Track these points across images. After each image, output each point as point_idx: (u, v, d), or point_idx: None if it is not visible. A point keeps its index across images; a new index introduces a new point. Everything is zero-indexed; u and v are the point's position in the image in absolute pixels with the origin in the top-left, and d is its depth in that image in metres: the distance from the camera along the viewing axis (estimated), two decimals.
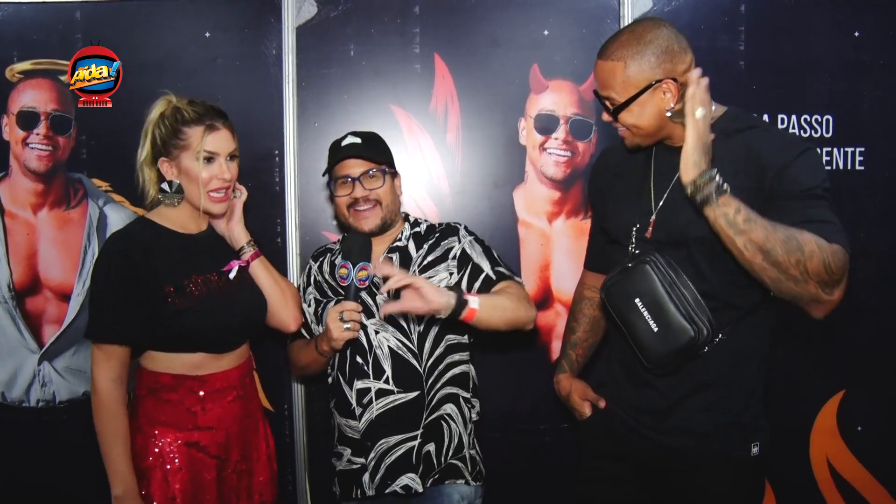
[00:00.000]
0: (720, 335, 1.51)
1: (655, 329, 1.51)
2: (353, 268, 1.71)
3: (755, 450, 1.58)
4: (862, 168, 2.36)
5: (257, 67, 2.24)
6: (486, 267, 1.79)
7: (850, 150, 2.36)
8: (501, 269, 1.80)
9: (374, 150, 1.81)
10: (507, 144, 2.31)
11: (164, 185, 1.67)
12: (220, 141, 1.66)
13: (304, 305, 1.88)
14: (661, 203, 1.58)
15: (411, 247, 1.84)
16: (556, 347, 2.29)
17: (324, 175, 1.88)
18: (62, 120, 2.20)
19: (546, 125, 2.31)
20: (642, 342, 1.53)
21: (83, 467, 2.21)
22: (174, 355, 1.64)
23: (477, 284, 1.76)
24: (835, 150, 2.36)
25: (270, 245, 2.21)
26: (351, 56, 2.27)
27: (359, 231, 1.79)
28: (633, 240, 1.59)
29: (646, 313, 1.52)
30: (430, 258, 1.81)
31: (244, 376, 1.75)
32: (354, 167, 1.79)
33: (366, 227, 1.79)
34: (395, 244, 1.84)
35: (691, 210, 1.46)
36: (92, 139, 2.22)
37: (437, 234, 1.85)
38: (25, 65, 2.19)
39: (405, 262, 1.81)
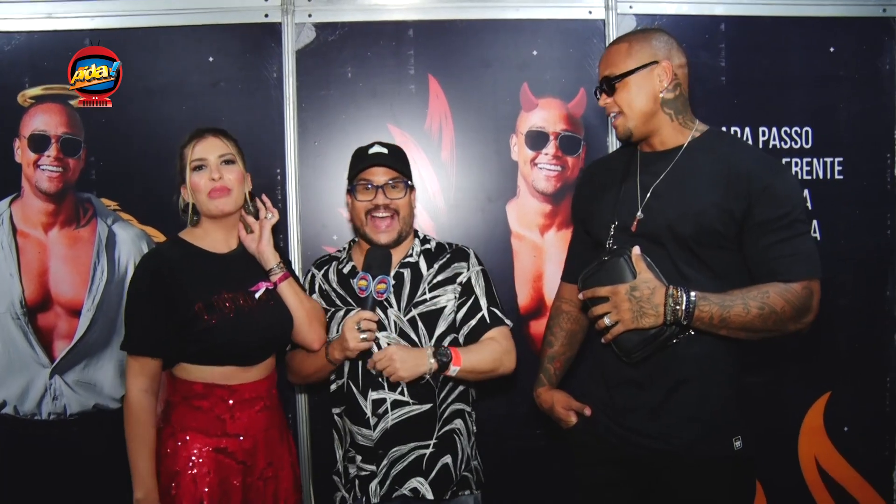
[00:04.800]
0: (691, 329, 1.57)
1: None
2: (373, 280, 1.75)
3: (738, 444, 1.63)
4: (841, 178, 2.45)
5: (259, 90, 2.32)
6: (484, 306, 1.85)
7: (828, 160, 2.45)
8: (496, 310, 1.86)
9: (400, 162, 1.87)
10: (499, 160, 2.39)
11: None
12: (206, 147, 1.77)
13: None
14: (645, 200, 1.65)
15: (422, 264, 1.88)
16: None
17: (348, 177, 1.91)
18: (72, 142, 2.28)
19: (536, 141, 2.40)
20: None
21: (94, 479, 2.28)
22: (205, 367, 1.72)
23: (473, 322, 1.84)
24: (814, 161, 2.45)
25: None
26: (349, 78, 2.36)
27: (375, 242, 1.83)
28: (611, 237, 1.68)
29: None
30: (439, 278, 1.86)
31: (271, 388, 1.82)
32: (379, 175, 1.83)
33: (382, 240, 1.83)
34: (406, 259, 1.88)
35: (677, 208, 1.60)
36: (100, 161, 2.29)
37: (448, 255, 1.90)
38: (37, 90, 2.28)
39: (416, 278, 1.86)
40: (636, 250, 1.56)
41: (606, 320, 1.55)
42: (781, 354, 2.45)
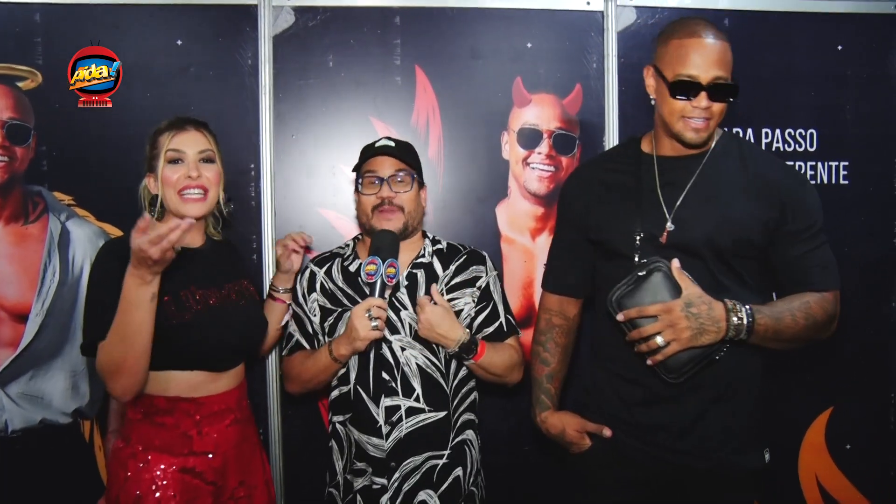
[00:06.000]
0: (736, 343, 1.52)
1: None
2: (383, 264, 1.64)
3: (767, 456, 1.63)
4: (846, 182, 2.36)
5: (232, 78, 2.15)
6: (501, 314, 1.80)
7: (833, 164, 2.36)
8: (511, 319, 1.83)
9: (407, 154, 1.79)
10: (489, 159, 2.25)
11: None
12: (186, 140, 1.63)
13: (305, 315, 1.80)
14: (674, 210, 1.59)
15: (436, 264, 1.80)
16: None
17: (353, 171, 1.82)
18: (19, 129, 2.07)
19: (529, 139, 2.26)
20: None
21: (41, 502, 2.07)
22: (171, 374, 1.57)
23: (490, 330, 1.78)
24: (819, 165, 2.36)
25: (246, 262, 2.10)
26: (330, 67, 2.19)
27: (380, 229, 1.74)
28: (638, 249, 1.58)
29: None
30: (457, 279, 1.79)
31: (241, 399, 1.69)
32: (385, 166, 1.76)
33: (387, 227, 1.73)
34: (418, 259, 1.80)
35: (714, 219, 1.56)
36: (53, 150, 2.09)
37: (464, 257, 1.83)
38: None
39: (431, 278, 1.77)
40: (676, 263, 1.50)
41: (659, 340, 1.45)
42: (783, 367, 2.34)
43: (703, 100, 1.50)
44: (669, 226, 1.57)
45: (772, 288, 1.65)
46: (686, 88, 1.50)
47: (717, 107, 1.52)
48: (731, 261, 1.56)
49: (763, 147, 2.32)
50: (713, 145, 1.61)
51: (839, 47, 2.33)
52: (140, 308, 1.41)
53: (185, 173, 1.60)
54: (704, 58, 1.49)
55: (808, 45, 2.31)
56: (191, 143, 1.63)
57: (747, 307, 1.47)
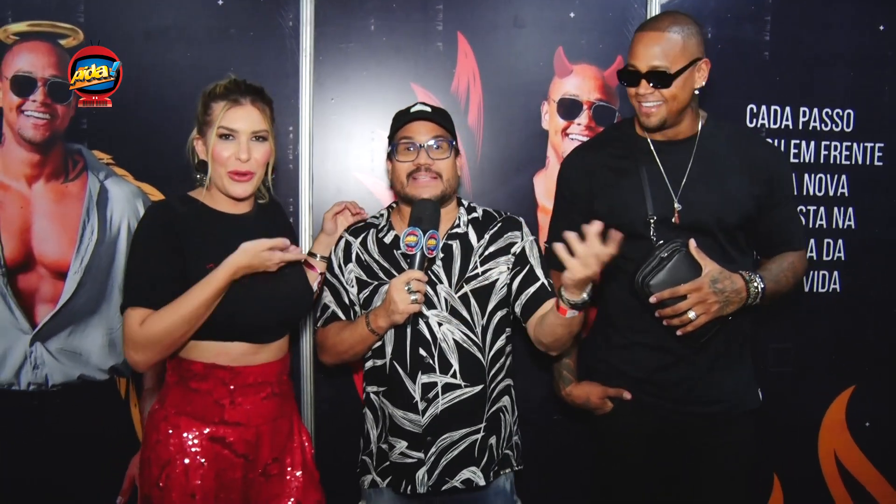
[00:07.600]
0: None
1: None
2: (424, 235, 1.58)
3: (761, 395, 1.83)
4: (881, 164, 2.37)
5: (272, 39, 2.13)
6: (541, 276, 1.73)
7: (869, 145, 2.37)
8: (551, 282, 1.75)
9: (444, 120, 1.74)
10: (529, 128, 2.25)
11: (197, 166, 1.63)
12: (242, 117, 1.56)
13: (341, 286, 1.77)
14: (679, 192, 1.72)
15: (471, 234, 1.75)
16: None
17: (388, 138, 1.78)
18: (61, 87, 2.05)
19: (569, 110, 2.26)
20: None
21: (78, 456, 2.10)
22: (211, 344, 1.54)
23: (532, 290, 1.71)
24: (854, 145, 2.36)
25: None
26: (371, 31, 2.18)
27: (417, 199, 1.68)
28: (653, 230, 1.69)
29: None
30: (491, 249, 1.74)
31: (281, 373, 1.65)
32: (421, 132, 1.70)
33: (424, 195, 1.67)
34: (453, 230, 1.74)
35: (719, 199, 1.71)
36: (93, 109, 2.07)
37: (499, 224, 1.77)
38: (21, 26, 2.04)
39: (466, 250, 1.73)
40: (693, 244, 1.64)
41: (691, 315, 1.61)
42: (808, 347, 2.38)
43: (644, 87, 1.65)
44: (678, 206, 1.70)
45: (753, 250, 1.85)
46: (628, 76, 1.67)
47: (668, 92, 1.64)
48: (736, 234, 1.73)
49: (800, 126, 2.33)
50: (700, 129, 1.74)
51: (881, 27, 2.32)
52: (218, 297, 1.48)
53: (236, 154, 1.55)
54: (645, 50, 1.63)
55: (850, 25, 2.31)
56: (245, 120, 1.56)
57: (758, 275, 1.65)
